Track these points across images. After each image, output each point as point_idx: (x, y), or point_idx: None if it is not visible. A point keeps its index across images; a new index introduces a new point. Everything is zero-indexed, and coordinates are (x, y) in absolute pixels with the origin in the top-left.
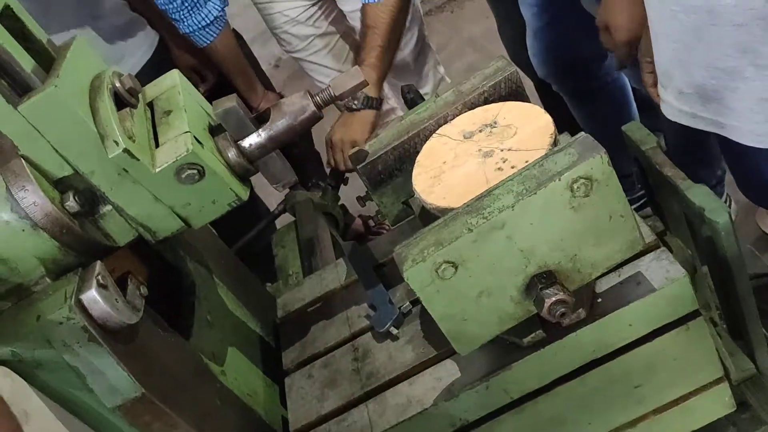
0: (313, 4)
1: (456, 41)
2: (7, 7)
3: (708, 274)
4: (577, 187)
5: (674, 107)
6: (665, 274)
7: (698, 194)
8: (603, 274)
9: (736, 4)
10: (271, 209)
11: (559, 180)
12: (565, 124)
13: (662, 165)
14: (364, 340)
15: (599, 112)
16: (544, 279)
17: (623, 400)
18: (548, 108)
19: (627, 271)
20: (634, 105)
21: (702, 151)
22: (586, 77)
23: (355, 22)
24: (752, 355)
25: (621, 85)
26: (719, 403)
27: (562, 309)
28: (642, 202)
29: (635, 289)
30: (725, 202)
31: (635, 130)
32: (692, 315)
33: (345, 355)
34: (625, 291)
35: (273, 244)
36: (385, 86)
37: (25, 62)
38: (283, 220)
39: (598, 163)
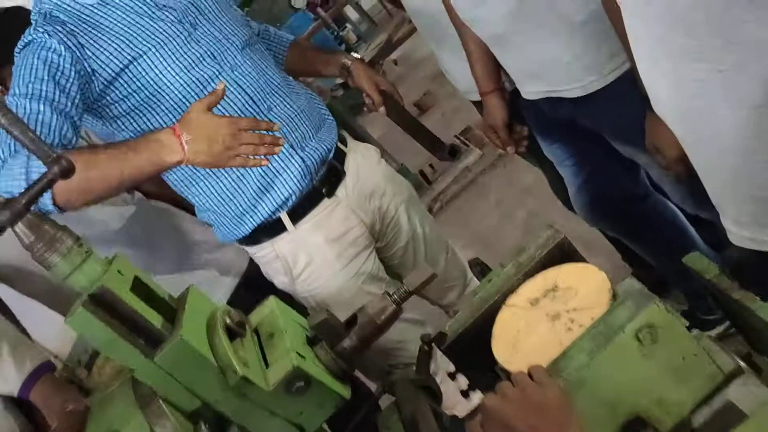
0: None
1: (513, 192)
2: (136, 278)
3: None
4: (643, 336)
5: (736, 234)
6: (754, 399)
7: None
8: (693, 410)
9: (759, 144)
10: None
11: (624, 332)
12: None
13: (730, 290)
14: None
15: (658, 244)
16: (636, 427)
17: None
18: (613, 240)
19: (717, 402)
20: (691, 228)
21: None
22: (635, 218)
23: None
24: None
25: (672, 214)
26: None
27: None
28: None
29: (729, 418)
30: None
31: (696, 260)
32: None
33: None
34: (719, 421)
35: (379, 427)
36: None
37: (154, 319)
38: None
39: (655, 311)
